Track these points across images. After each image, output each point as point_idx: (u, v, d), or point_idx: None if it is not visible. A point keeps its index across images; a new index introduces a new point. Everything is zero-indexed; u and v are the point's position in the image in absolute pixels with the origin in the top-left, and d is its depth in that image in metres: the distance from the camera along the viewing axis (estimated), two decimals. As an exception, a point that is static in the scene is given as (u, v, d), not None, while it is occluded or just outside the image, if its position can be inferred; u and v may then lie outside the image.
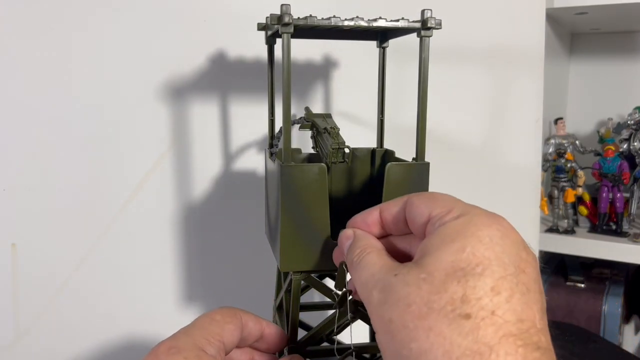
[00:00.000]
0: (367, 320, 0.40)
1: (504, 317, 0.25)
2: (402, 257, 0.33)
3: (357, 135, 0.56)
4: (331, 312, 0.41)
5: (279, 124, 0.43)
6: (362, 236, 0.34)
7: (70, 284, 0.57)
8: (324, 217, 0.36)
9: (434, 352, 0.24)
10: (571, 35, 1.30)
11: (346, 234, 0.35)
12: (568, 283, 1.09)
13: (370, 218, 0.34)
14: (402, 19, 0.37)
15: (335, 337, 0.42)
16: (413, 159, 0.39)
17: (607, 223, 1.04)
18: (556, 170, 1.05)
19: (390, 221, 0.33)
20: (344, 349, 0.41)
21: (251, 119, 0.59)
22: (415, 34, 0.37)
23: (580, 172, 1.04)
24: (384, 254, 0.32)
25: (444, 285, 0.26)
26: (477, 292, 0.25)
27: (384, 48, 0.48)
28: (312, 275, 0.39)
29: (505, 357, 0.23)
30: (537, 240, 0.81)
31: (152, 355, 0.30)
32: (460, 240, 0.27)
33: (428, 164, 0.38)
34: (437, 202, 0.30)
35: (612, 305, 1.06)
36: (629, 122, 1.03)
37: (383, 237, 0.34)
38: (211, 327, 0.33)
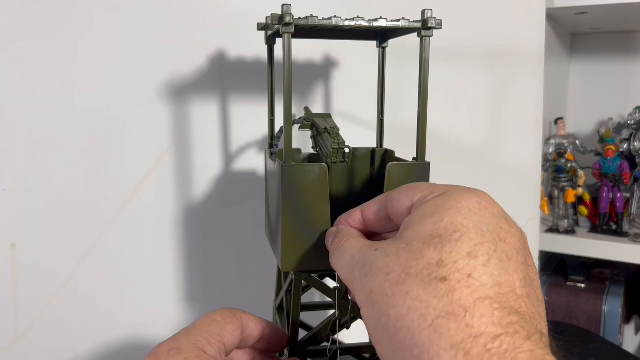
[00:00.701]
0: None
1: (480, 280, 0.25)
2: None
3: (357, 135, 0.56)
4: (331, 312, 0.41)
5: (279, 124, 0.43)
6: (342, 228, 0.35)
7: (70, 284, 0.57)
8: (325, 217, 0.36)
9: (411, 316, 0.25)
10: (571, 35, 1.30)
11: (330, 231, 0.36)
12: (568, 283, 1.09)
13: (352, 219, 0.35)
14: (403, 19, 0.37)
15: (335, 337, 0.42)
16: (413, 158, 0.39)
17: (607, 223, 1.04)
18: (556, 170, 1.05)
19: (373, 220, 0.34)
20: (345, 349, 0.41)
21: (251, 119, 0.59)
22: (415, 34, 0.37)
23: (581, 172, 1.04)
24: (363, 238, 0.33)
25: (421, 251, 0.26)
26: (453, 256, 0.25)
27: (383, 48, 0.48)
28: (313, 275, 0.39)
29: (480, 319, 0.23)
30: (537, 240, 0.81)
31: (152, 356, 0.30)
32: (439, 213, 0.27)
33: (429, 163, 0.38)
34: (417, 189, 0.31)
35: (613, 305, 1.06)
36: (629, 122, 1.03)
37: (370, 237, 0.35)
38: (211, 328, 0.33)
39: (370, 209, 0.34)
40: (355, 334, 0.42)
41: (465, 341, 0.23)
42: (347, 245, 0.32)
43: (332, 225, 0.37)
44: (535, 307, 0.26)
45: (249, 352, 0.37)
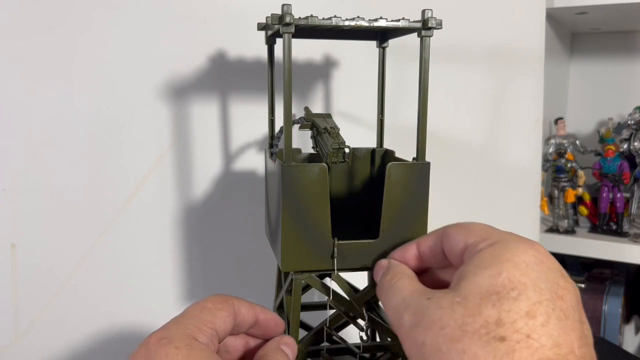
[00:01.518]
0: (381, 329, 0.40)
1: (540, 341, 0.24)
2: (442, 288, 0.34)
3: (357, 135, 0.56)
4: (331, 311, 0.41)
5: (279, 124, 0.43)
6: (395, 264, 0.35)
7: (70, 283, 0.57)
8: (325, 217, 0.36)
9: None
10: (571, 35, 1.30)
11: (381, 264, 0.36)
12: (568, 283, 1.09)
13: (408, 253, 0.35)
14: (403, 19, 0.37)
15: (335, 337, 0.42)
16: (413, 158, 0.39)
17: (607, 223, 1.04)
18: (556, 170, 1.05)
19: (428, 254, 0.34)
20: (345, 349, 0.41)
21: (251, 119, 0.59)
22: (415, 34, 0.37)
23: (581, 172, 1.04)
24: (416, 280, 0.32)
25: (478, 308, 0.26)
26: (511, 315, 0.25)
27: (384, 48, 0.48)
28: (313, 275, 0.39)
29: None
30: (537, 240, 0.81)
31: (143, 347, 0.30)
32: (495, 266, 0.27)
33: (429, 163, 0.38)
34: (473, 231, 0.31)
35: (613, 305, 1.06)
36: (629, 122, 1.03)
37: (423, 271, 0.35)
38: (202, 315, 0.32)
39: (426, 243, 0.34)
40: (355, 334, 0.42)
41: None
42: (399, 284, 0.32)
43: (332, 229, 0.37)
44: None
45: (242, 337, 0.37)
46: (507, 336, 0.25)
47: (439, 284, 0.33)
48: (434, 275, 0.35)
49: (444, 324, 0.26)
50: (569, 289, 0.27)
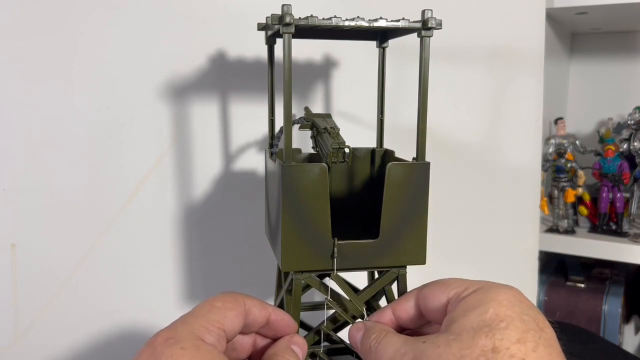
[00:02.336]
0: None
1: None
2: None
3: (357, 135, 0.56)
4: (331, 311, 0.41)
5: (279, 124, 0.43)
6: (372, 325, 0.35)
7: (70, 283, 0.57)
8: (325, 217, 0.36)
9: None
10: (571, 35, 1.30)
11: (356, 326, 0.36)
12: (568, 283, 1.09)
13: (383, 318, 0.36)
14: (403, 19, 0.37)
15: (335, 337, 0.42)
16: (413, 158, 0.39)
17: (607, 223, 1.04)
18: (556, 170, 1.05)
19: (404, 317, 0.35)
20: (345, 349, 0.41)
21: (251, 119, 0.59)
22: (415, 34, 0.37)
23: (581, 172, 1.04)
24: (398, 334, 0.34)
25: (473, 340, 0.28)
26: (505, 343, 0.27)
27: (383, 48, 0.48)
28: (313, 275, 0.39)
29: None
30: (537, 240, 0.81)
31: (149, 346, 0.29)
32: (482, 306, 0.29)
33: (429, 163, 0.38)
34: (451, 285, 0.33)
35: (612, 305, 1.06)
36: (629, 122, 1.03)
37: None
38: (211, 314, 0.32)
39: (401, 307, 0.35)
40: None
41: None
42: (387, 339, 0.33)
43: (332, 229, 0.37)
44: None
45: (251, 335, 0.36)
46: None
47: None
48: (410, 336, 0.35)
49: (444, 359, 0.28)
50: (547, 325, 0.30)
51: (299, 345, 0.35)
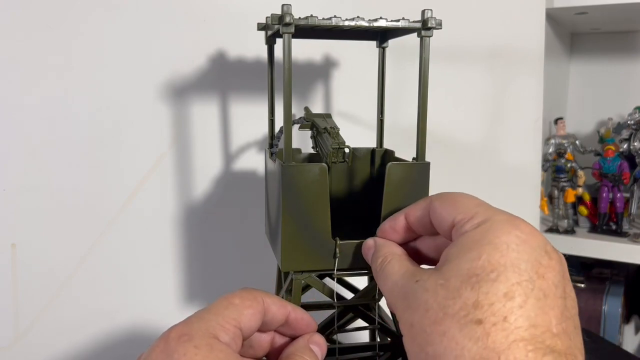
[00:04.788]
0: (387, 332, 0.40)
1: (516, 323, 0.25)
2: (433, 255, 0.34)
3: (357, 135, 0.56)
4: (331, 311, 0.41)
5: (279, 124, 0.43)
6: (382, 244, 0.35)
7: (70, 283, 0.57)
8: (325, 217, 0.36)
9: (447, 356, 0.25)
10: (571, 35, 1.30)
11: (367, 244, 0.36)
12: (568, 283, 1.09)
13: (397, 224, 0.35)
14: (403, 19, 0.37)
15: (335, 336, 0.42)
16: (413, 158, 0.39)
17: (607, 223, 1.04)
18: (556, 170, 1.05)
19: (417, 225, 0.34)
20: (346, 349, 0.41)
21: (251, 119, 0.59)
22: (415, 34, 0.37)
23: (581, 172, 1.04)
24: (405, 260, 0.33)
25: (458, 291, 0.26)
26: (489, 297, 0.26)
27: (383, 48, 0.48)
28: (313, 275, 0.39)
29: None
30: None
31: (162, 340, 0.29)
32: (477, 249, 0.27)
33: (428, 163, 0.38)
34: (459, 207, 0.31)
35: (612, 305, 1.06)
36: (629, 122, 1.03)
37: (415, 239, 0.35)
38: (227, 311, 0.31)
39: (414, 214, 0.34)
40: (355, 334, 0.42)
41: None
42: (389, 268, 0.32)
43: (331, 225, 0.37)
44: (571, 340, 0.26)
45: (269, 333, 0.35)
46: (483, 319, 0.25)
47: (431, 250, 0.34)
48: (425, 242, 0.35)
49: (428, 307, 0.27)
50: (552, 266, 0.27)
51: (318, 345, 0.34)
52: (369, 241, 0.36)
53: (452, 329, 0.26)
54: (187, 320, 0.30)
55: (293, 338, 0.35)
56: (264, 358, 0.35)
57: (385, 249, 0.34)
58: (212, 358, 0.28)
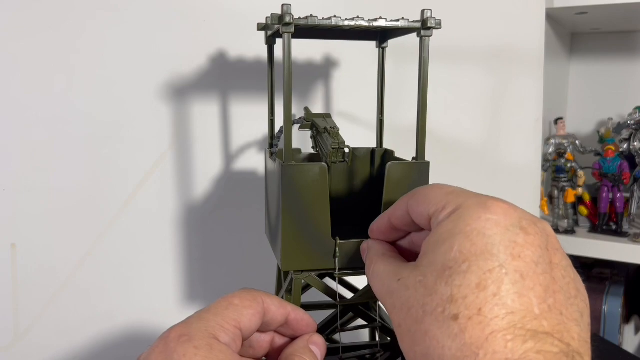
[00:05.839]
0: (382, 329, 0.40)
1: (491, 314, 0.24)
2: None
3: (357, 135, 0.56)
4: (331, 311, 0.41)
5: (279, 124, 0.43)
6: (371, 246, 0.35)
7: (70, 283, 0.57)
8: (325, 217, 0.37)
9: (432, 356, 0.24)
10: (571, 35, 1.30)
11: (362, 247, 0.36)
12: (568, 283, 1.09)
13: (383, 226, 0.35)
14: (402, 19, 0.37)
15: (335, 337, 0.42)
16: (413, 158, 0.39)
17: (607, 223, 1.04)
18: (556, 170, 1.05)
19: (401, 225, 0.34)
20: (348, 348, 0.41)
21: (251, 119, 0.59)
22: (415, 34, 0.37)
23: (581, 172, 1.04)
24: (389, 258, 0.32)
25: (434, 287, 0.26)
26: (462, 290, 0.25)
27: (383, 48, 0.48)
28: (313, 275, 0.39)
29: (493, 356, 0.23)
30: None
31: (162, 341, 0.29)
32: (449, 240, 0.26)
33: (428, 163, 0.38)
34: (431, 199, 0.30)
35: (612, 305, 1.06)
36: (629, 122, 1.03)
37: (406, 235, 0.35)
38: (227, 312, 0.31)
39: (396, 215, 0.33)
40: (355, 333, 0.42)
41: None
42: (376, 269, 0.32)
43: (332, 225, 0.37)
44: (562, 314, 0.25)
45: (269, 334, 0.35)
46: (459, 314, 0.24)
47: (418, 246, 0.33)
48: (417, 237, 0.34)
49: (410, 305, 0.27)
50: (529, 242, 0.26)
51: (317, 345, 0.34)
52: (363, 244, 0.36)
53: (432, 327, 0.25)
54: (187, 320, 0.30)
55: (293, 338, 0.35)
56: (264, 358, 0.35)
57: (372, 250, 0.34)
58: (212, 358, 0.28)
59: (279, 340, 0.35)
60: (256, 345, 0.34)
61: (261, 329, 0.33)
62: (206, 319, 0.30)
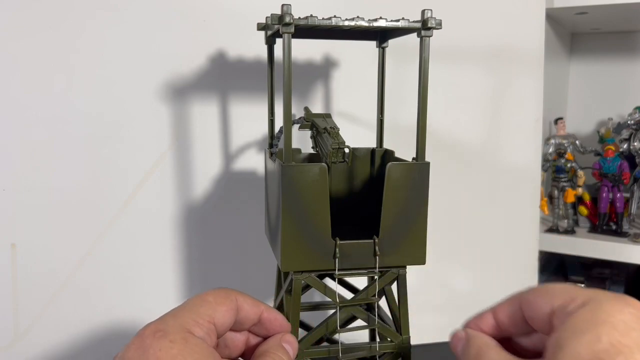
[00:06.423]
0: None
1: None
2: (527, 356, 0.32)
3: (357, 135, 0.56)
4: (331, 311, 0.41)
5: (279, 124, 0.43)
6: (475, 335, 0.33)
7: (70, 283, 0.57)
8: (325, 217, 0.36)
9: None
10: (571, 35, 1.30)
11: (457, 335, 0.34)
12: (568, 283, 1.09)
13: (484, 323, 0.33)
14: (402, 19, 0.37)
15: (334, 337, 0.42)
16: (413, 158, 0.39)
17: (607, 223, 1.04)
18: (556, 170, 1.05)
19: (507, 323, 0.32)
20: (348, 349, 0.41)
21: (251, 119, 0.59)
22: (415, 34, 0.37)
23: (580, 172, 1.04)
24: (502, 351, 0.31)
25: None
26: None
27: (383, 48, 0.48)
28: (313, 275, 0.39)
29: None
30: (537, 241, 0.81)
31: (137, 338, 0.29)
32: (592, 330, 0.25)
33: (428, 163, 0.38)
34: (556, 294, 0.29)
35: (612, 305, 1.05)
36: (629, 122, 1.03)
37: (502, 340, 0.33)
38: (201, 308, 0.31)
39: (503, 311, 0.32)
40: (356, 333, 0.42)
41: None
42: (489, 356, 0.30)
43: (331, 225, 0.37)
44: None
45: (244, 333, 0.36)
46: None
47: (523, 353, 0.32)
48: (515, 344, 0.33)
49: None
50: None
51: (290, 343, 0.35)
52: (459, 332, 0.34)
53: None
54: (162, 317, 0.31)
55: (267, 338, 0.36)
56: (240, 359, 0.36)
57: (479, 340, 0.32)
58: (188, 351, 0.28)
59: (254, 340, 0.36)
60: (231, 345, 0.35)
61: (235, 328, 0.34)
62: (180, 315, 0.31)
